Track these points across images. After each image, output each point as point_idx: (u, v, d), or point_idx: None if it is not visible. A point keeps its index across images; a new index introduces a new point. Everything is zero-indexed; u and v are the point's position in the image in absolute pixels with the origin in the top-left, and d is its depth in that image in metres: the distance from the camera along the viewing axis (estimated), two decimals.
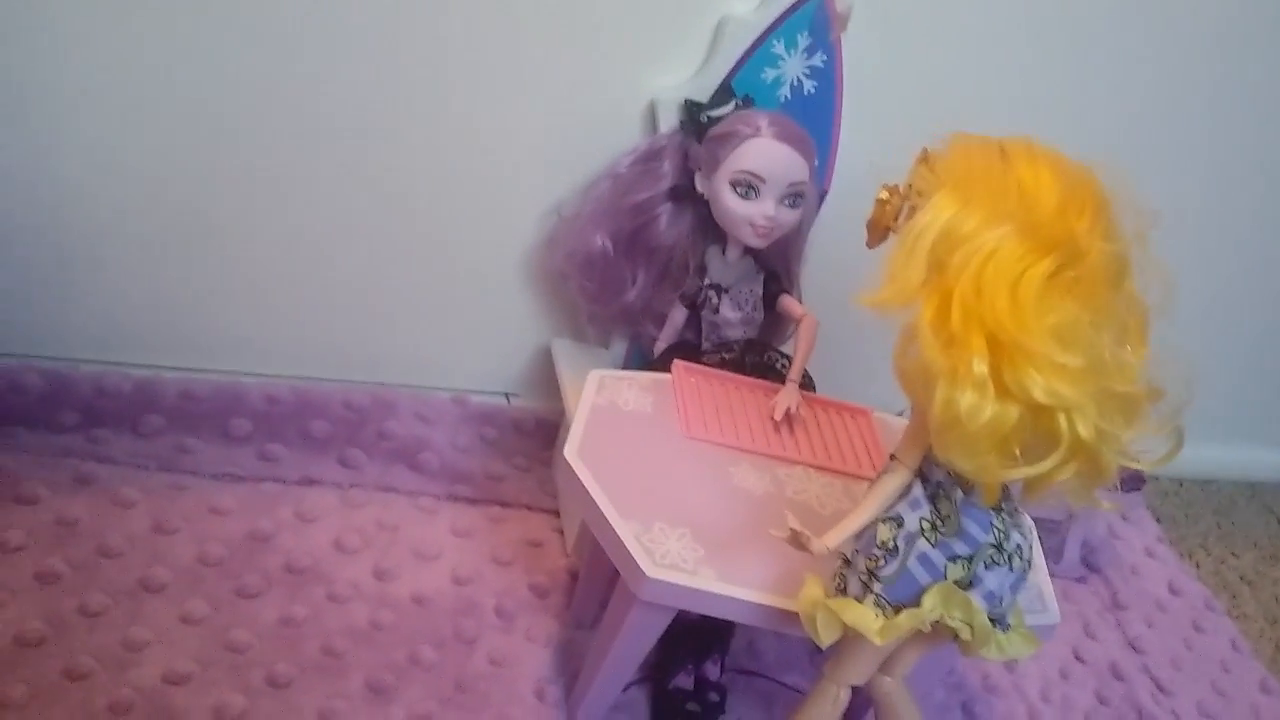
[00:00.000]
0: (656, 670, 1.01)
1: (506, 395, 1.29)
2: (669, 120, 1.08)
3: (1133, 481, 1.27)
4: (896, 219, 0.73)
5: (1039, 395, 0.64)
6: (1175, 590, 1.40)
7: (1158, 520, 1.54)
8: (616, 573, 0.86)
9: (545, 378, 1.26)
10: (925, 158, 0.72)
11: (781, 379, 1.04)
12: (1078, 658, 1.25)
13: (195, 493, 1.07)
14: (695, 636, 1.01)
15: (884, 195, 0.74)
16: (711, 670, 1.01)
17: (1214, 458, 1.67)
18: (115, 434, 1.10)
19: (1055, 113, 1.16)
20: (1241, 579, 1.51)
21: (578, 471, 0.88)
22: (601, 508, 0.85)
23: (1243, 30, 1.23)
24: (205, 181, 1.06)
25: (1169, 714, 1.20)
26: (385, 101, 1.05)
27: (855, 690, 0.82)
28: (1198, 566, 1.49)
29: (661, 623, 0.87)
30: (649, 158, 1.08)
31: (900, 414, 1.09)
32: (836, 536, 0.74)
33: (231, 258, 1.12)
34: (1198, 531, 1.58)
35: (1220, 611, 1.39)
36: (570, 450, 0.90)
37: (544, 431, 1.27)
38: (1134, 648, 1.29)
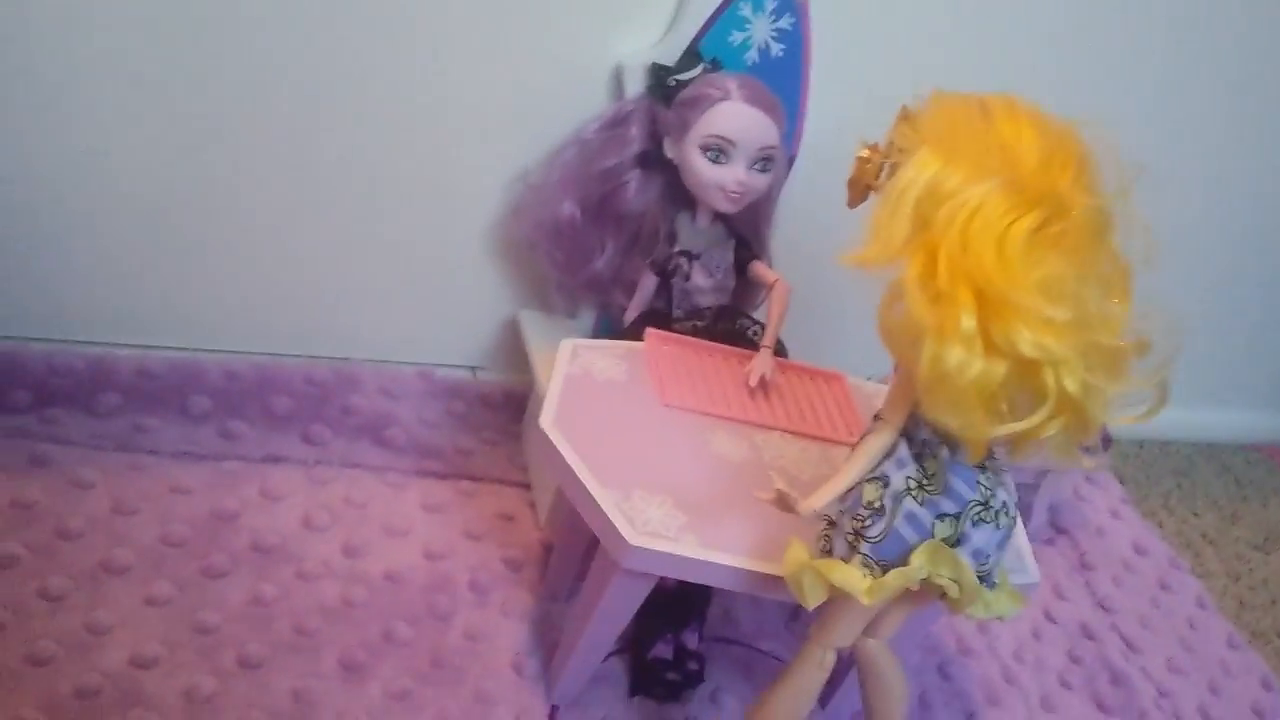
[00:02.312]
0: (635, 641, 1.00)
1: (473, 369, 1.27)
2: (636, 85, 1.07)
3: (1101, 442, 1.28)
4: (878, 177, 0.73)
5: (1026, 349, 0.63)
6: (1141, 550, 1.42)
7: (1121, 481, 1.56)
8: (591, 544, 0.85)
9: (512, 350, 1.24)
10: (906, 115, 0.71)
11: (754, 346, 1.03)
12: (1049, 618, 1.26)
13: (155, 472, 1.04)
14: (673, 606, 1.00)
15: (864, 153, 0.73)
16: (690, 639, 1.01)
17: (1173, 419, 1.68)
18: (69, 414, 1.07)
19: (1026, 72, 1.16)
20: (1203, 537, 1.53)
21: (555, 441, 0.86)
22: (581, 477, 0.83)
23: None
24: (159, 152, 1.03)
25: (1139, 671, 1.21)
26: (346, 71, 1.03)
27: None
28: (1161, 526, 1.51)
29: (642, 591, 0.86)
30: (616, 123, 1.07)
31: (870, 378, 1.09)
32: (823, 497, 0.73)
33: (187, 230, 1.08)
34: (1159, 492, 1.60)
35: (1185, 570, 1.41)
36: (546, 420, 0.88)
37: (512, 405, 1.25)
38: (1103, 607, 1.30)
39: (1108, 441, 1.29)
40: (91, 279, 1.08)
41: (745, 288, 1.10)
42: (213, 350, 1.15)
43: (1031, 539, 1.35)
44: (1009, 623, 1.21)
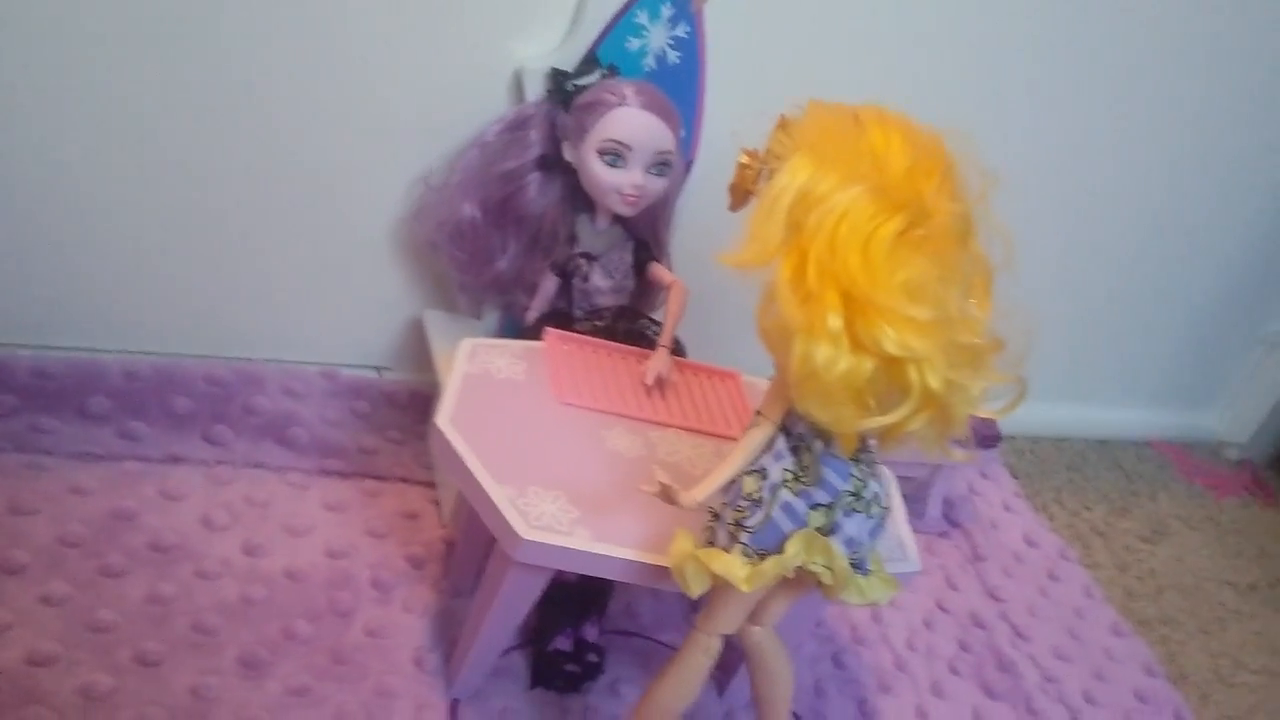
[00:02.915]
0: (535, 634, 1.02)
1: (378, 369, 1.28)
2: (535, 89, 1.09)
3: (990, 439, 1.33)
4: (757, 182, 0.76)
5: (890, 347, 0.67)
6: (1031, 542, 1.47)
7: (1014, 476, 1.62)
8: (493, 539, 0.87)
9: (417, 350, 1.25)
10: (783, 124, 0.75)
11: (653, 345, 1.06)
12: (941, 607, 1.30)
13: (53, 473, 1.04)
14: (573, 599, 1.03)
15: (744, 159, 0.76)
16: (590, 632, 1.03)
17: (1066, 417, 1.76)
18: None
19: (908, 81, 1.20)
20: (1093, 530, 1.59)
21: (450, 439, 0.88)
22: (475, 473, 0.85)
23: None
24: (55, 148, 1.02)
25: (1027, 658, 1.26)
26: (247, 68, 1.03)
27: (728, 644, 0.85)
28: (1052, 519, 1.57)
29: (538, 585, 0.88)
30: (516, 126, 1.08)
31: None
32: (704, 490, 0.76)
33: (86, 228, 1.08)
34: (1052, 486, 1.66)
35: (1074, 561, 1.47)
36: (443, 418, 0.90)
37: (418, 404, 1.26)
38: (993, 597, 1.35)
39: (996, 438, 1.34)
40: None
41: (644, 289, 1.12)
42: (113, 350, 1.14)
43: (926, 532, 1.41)
44: (902, 612, 1.25)
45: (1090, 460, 1.77)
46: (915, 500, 1.40)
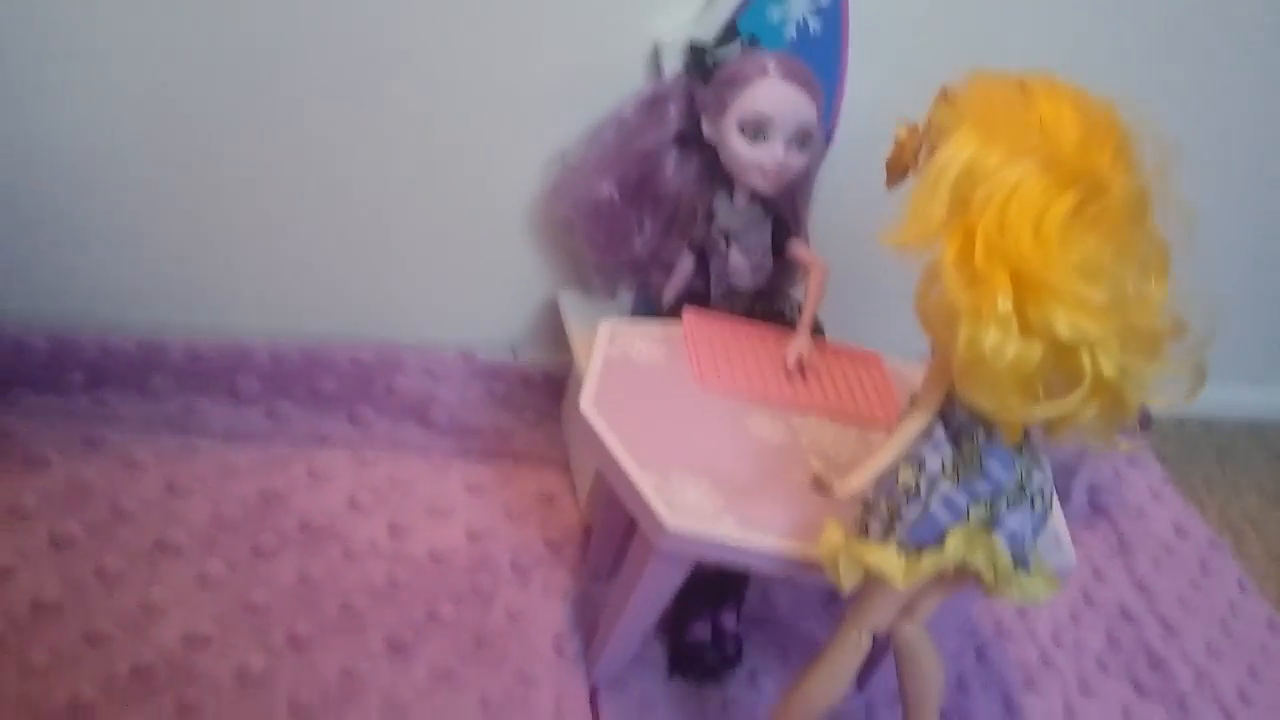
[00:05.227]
0: (673, 622, 1.01)
1: (513, 350, 1.28)
2: (673, 64, 1.07)
3: (1142, 422, 1.27)
4: (916, 158, 0.73)
5: (1063, 331, 0.63)
6: (1181, 532, 1.41)
7: (1161, 461, 1.55)
8: (631, 525, 0.86)
9: (550, 331, 1.25)
10: (945, 95, 0.71)
11: (791, 326, 1.04)
12: (1087, 600, 1.25)
13: (206, 454, 1.07)
14: (711, 587, 1.01)
15: (903, 134, 0.73)
16: (728, 620, 1.02)
17: (1215, 398, 1.66)
18: (122, 396, 1.10)
19: (1065, 49, 1.14)
20: (1246, 519, 1.51)
21: (594, 424, 0.87)
22: (619, 459, 0.84)
23: None
24: (209, 139, 1.05)
25: (1178, 654, 1.21)
26: (388, 55, 1.04)
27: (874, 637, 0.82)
28: (1202, 508, 1.50)
29: (680, 574, 0.87)
30: (654, 103, 1.07)
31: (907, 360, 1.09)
32: (859, 480, 0.74)
33: (234, 216, 1.10)
34: (1201, 473, 1.59)
35: (1226, 552, 1.40)
36: (586, 402, 0.89)
37: (551, 386, 1.26)
38: (1142, 589, 1.29)
39: (1148, 421, 1.28)
40: (143, 266, 1.11)
41: (783, 267, 1.10)
42: (260, 333, 1.17)
43: (1070, 521, 1.35)
44: (1047, 605, 1.21)
45: (1240, 444, 1.69)
46: (1059, 487, 1.34)
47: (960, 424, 0.73)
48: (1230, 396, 1.69)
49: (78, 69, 0.98)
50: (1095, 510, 1.39)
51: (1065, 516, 1.33)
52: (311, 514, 1.03)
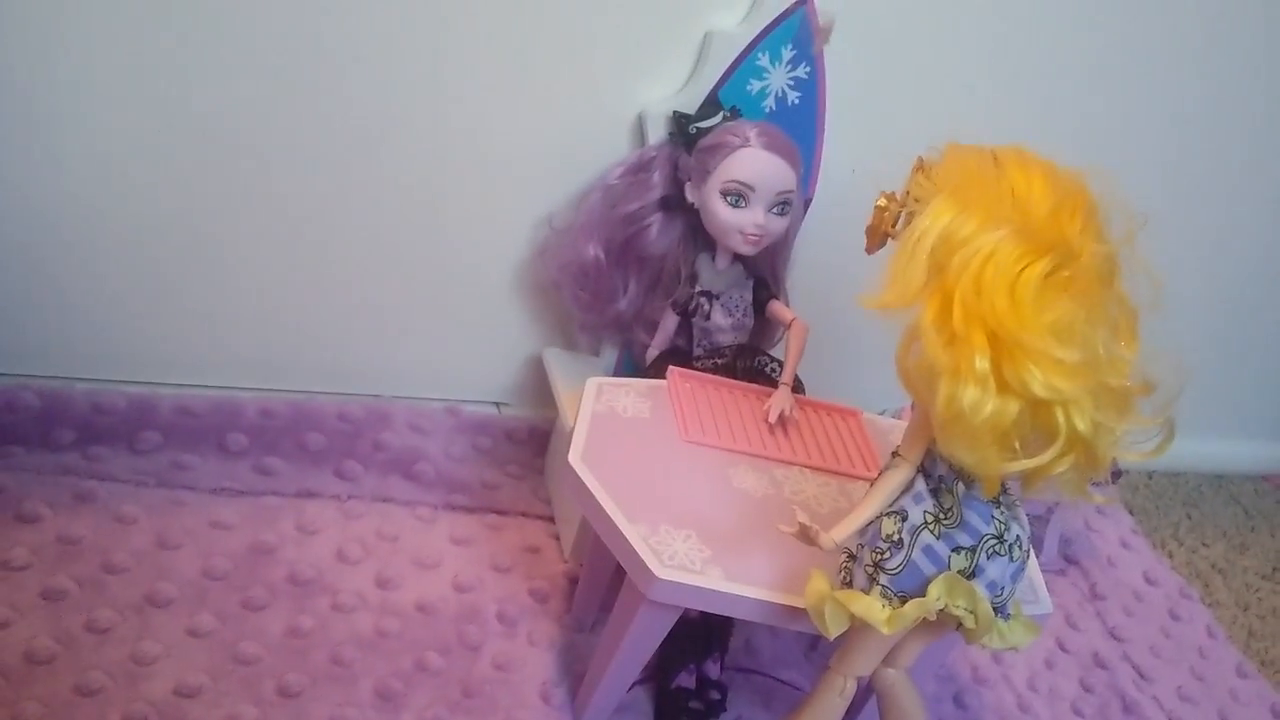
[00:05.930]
0: (658, 670, 1.03)
1: (497, 405, 1.30)
2: (658, 132, 1.11)
3: (1113, 475, 1.31)
4: (894, 225, 0.76)
5: (1038, 390, 0.66)
6: (1151, 580, 1.44)
7: (1130, 512, 1.59)
8: (616, 576, 0.87)
9: (535, 387, 1.28)
10: (922, 166, 0.75)
11: (772, 383, 1.07)
12: (1061, 647, 1.28)
13: (195, 508, 1.07)
14: (696, 636, 1.03)
15: (883, 202, 0.76)
16: (712, 669, 1.04)
17: (1182, 451, 1.69)
18: (113, 451, 1.10)
19: (1034, 121, 1.20)
20: (1213, 567, 1.55)
21: (583, 476, 0.89)
22: (609, 511, 0.86)
23: (1231, 28, 1.28)
24: (199, 197, 1.06)
25: (1151, 700, 1.23)
26: (378, 115, 1.06)
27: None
28: (1170, 556, 1.54)
29: (667, 623, 0.89)
30: (639, 169, 1.10)
31: (883, 413, 1.12)
32: (844, 530, 0.76)
33: (225, 273, 1.12)
34: (1169, 523, 1.63)
35: (1195, 599, 1.44)
36: (574, 456, 0.91)
37: (536, 440, 1.28)
38: (1114, 636, 1.32)
39: (1117, 474, 1.32)
40: (134, 320, 1.12)
41: (764, 326, 1.13)
42: (250, 389, 1.19)
43: (1043, 570, 1.37)
44: (1023, 652, 1.23)
45: (1207, 495, 1.73)
46: (1032, 538, 1.37)
47: (941, 477, 0.76)
48: (1196, 449, 1.73)
49: (68, 132, 0.99)
50: (1067, 560, 1.42)
51: (1039, 566, 1.37)
52: (300, 567, 1.04)
